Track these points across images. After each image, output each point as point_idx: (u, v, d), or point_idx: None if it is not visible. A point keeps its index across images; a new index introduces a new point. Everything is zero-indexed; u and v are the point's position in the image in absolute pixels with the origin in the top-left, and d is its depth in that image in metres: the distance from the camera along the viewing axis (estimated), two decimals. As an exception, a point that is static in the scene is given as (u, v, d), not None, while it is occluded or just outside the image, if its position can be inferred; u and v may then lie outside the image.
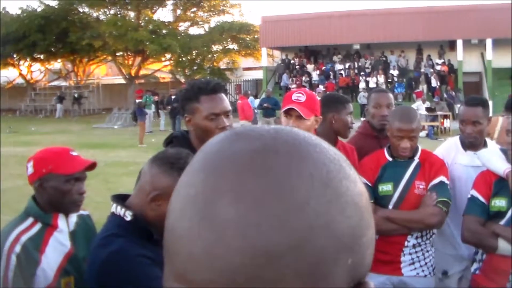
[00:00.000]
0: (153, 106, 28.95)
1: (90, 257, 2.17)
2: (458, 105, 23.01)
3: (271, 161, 0.59)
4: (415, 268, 3.72)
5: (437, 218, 3.58)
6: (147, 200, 2.14)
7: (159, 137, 22.79)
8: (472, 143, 3.89)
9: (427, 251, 3.76)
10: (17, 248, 2.43)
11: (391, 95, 4.50)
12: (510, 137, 3.63)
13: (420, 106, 23.08)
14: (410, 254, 3.72)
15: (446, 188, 3.67)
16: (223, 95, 2.96)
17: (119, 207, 2.19)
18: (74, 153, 2.66)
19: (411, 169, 3.72)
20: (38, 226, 2.56)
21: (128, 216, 2.15)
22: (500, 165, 3.43)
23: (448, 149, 4.07)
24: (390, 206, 3.70)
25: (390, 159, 3.78)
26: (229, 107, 2.96)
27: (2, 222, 8.56)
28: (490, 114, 4.30)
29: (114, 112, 33.00)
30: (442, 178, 3.67)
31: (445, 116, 24.40)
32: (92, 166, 2.66)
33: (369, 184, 3.73)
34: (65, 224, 2.63)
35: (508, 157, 3.47)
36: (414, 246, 3.71)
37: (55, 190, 2.56)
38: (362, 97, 30.09)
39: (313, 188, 0.58)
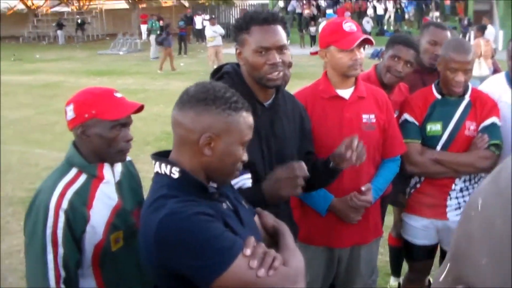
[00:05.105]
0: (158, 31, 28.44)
1: (141, 228, 1.93)
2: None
3: None
4: (461, 213, 3.54)
5: (489, 162, 3.39)
6: (198, 149, 1.91)
7: (166, 63, 22.49)
8: None
9: (474, 195, 3.59)
10: (64, 204, 2.21)
11: (449, 34, 4.12)
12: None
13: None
14: (456, 198, 3.55)
15: (498, 130, 3.46)
16: (278, 27, 2.60)
17: (163, 165, 1.96)
18: (119, 95, 2.38)
19: (462, 109, 3.50)
20: (83, 178, 2.32)
21: (176, 173, 1.92)
22: None
23: (493, 86, 3.78)
24: (439, 148, 3.51)
25: (439, 96, 3.55)
26: (284, 41, 2.60)
27: (14, 153, 8.53)
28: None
29: (119, 37, 32.46)
30: (494, 119, 3.46)
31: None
32: (139, 109, 2.39)
33: (417, 124, 3.53)
34: (111, 175, 2.40)
35: None
36: (461, 190, 3.54)
37: (100, 137, 2.31)
38: (365, 23, 29.45)
39: None
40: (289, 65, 2.73)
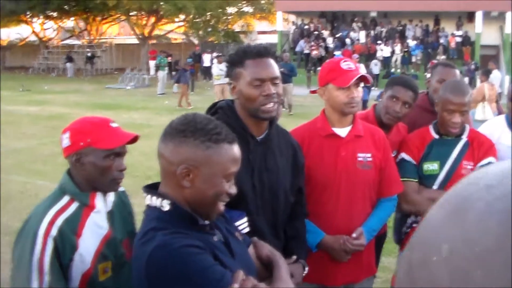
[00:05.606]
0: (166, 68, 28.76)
1: (133, 258, 1.95)
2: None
3: None
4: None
5: None
6: (178, 181, 1.92)
7: (172, 99, 22.65)
8: None
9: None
10: (54, 231, 2.22)
11: (458, 72, 4.17)
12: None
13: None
14: (453, 238, 3.52)
15: None
16: (271, 60, 2.67)
17: (154, 198, 1.98)
18: (114, 125, 2.41)
19: (459, 148, 3.51)
20: (74, 206, 2.33)
21: (166, 206, 1.94)
22: None
23: (493, 128, 3.83)
24: (435, 187, 3.51)
25: (437, 136, 3.56)
26: (277, 73, 2.67)
27: (15, 183, 8.50)
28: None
29: (127, 72, 32.73)
30: (491, 159, 3.46)
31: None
32: (134, 139, 2.42)
33: (414, 163, 3.54)
34: (102, 204, 2.41)
35: None
36: (458, 230, 3.52)
37: (94, 166, 2.33)
38: (373, 66, 29.60)
39: None
40: (281, 101, 2.76)
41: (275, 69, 2.67)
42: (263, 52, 2.66)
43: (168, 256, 1.81)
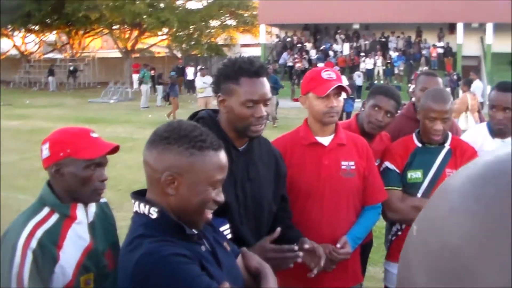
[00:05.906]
0: (149, 81, 28.69)
1: (120, 265, 1.93)
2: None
3: None
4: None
5: None
6: (163, 189, 1.91)
7: (156, 113, 22.58)
8: (502, 130, 3.70)
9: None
10: (33, 243, 2.17)
11: (440, 80, 4.24)
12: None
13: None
14: (437, 245, 3.53)
15: None
16: (265, 79, 2.63)
17: (142, 205, 1.95)
18: (95, 135, 2.38)
19: (442, 156, 3.52)
20: (55, 217, 2.29)
21: (154, 214, 1.91)
22: None
23: (475, 136, 3.88)
24: (419, 195, 3.51)
25: (420, 145, 3.57)
26: (270, 94, 2.63)
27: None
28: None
29: (110, 86, 32.55)
30: None
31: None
32: (115, 149, 2.39)
33: (397, 171, 3.54)
34: (84, 215, 2.37)
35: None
36: (442, 237, 3.52)
37: (74, 176, 2.29)
38: (356, 77, 29.76)
39: None
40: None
41: (268, 89, 2.64)
42: (261, 71, 2.61)
43: (155, 263, 1.79)
